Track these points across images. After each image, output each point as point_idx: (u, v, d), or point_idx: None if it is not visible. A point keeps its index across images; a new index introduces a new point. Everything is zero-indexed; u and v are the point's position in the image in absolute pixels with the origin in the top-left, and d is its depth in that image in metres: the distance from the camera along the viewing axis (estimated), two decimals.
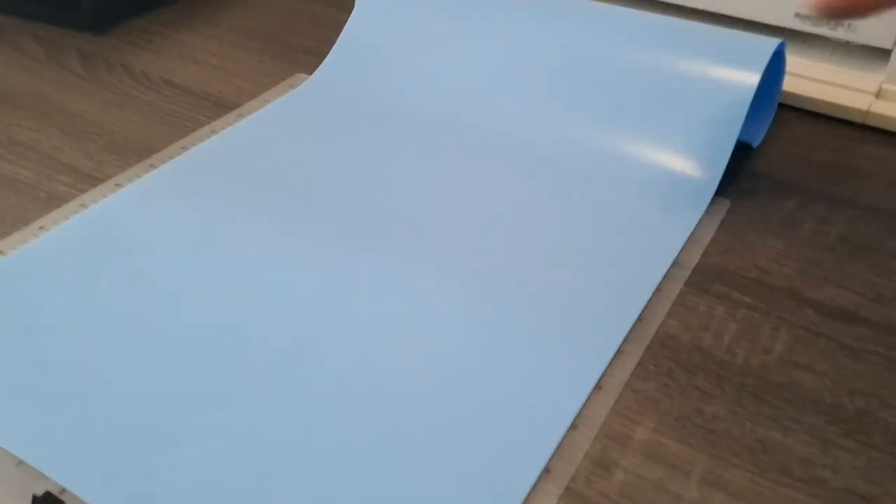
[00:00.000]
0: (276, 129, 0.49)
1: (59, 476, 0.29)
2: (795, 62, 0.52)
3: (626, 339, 0.35)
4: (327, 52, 0.54)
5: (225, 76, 0.56)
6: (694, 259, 0.40)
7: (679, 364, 0.35)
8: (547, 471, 0.30)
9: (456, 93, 0.50)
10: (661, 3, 0.57)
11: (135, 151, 0.48)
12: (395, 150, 0.47)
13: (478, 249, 0.40)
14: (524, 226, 0.41)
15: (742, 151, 0.47)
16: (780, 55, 0.46)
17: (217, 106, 0.52)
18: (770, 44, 0.45)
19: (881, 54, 0.51)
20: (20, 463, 0.30)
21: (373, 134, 0.48)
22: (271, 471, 0.29)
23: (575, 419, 0.32)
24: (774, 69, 0.47)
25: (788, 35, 0.53)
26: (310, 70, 0.55)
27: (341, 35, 0.54)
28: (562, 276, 0.38)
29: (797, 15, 0.52)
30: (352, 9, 0.55)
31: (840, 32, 0.51)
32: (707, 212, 0.43)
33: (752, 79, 0.44)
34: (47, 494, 0.29)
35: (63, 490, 0.29)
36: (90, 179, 0.45)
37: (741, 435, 0.32)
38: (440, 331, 0.35)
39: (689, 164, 0.44)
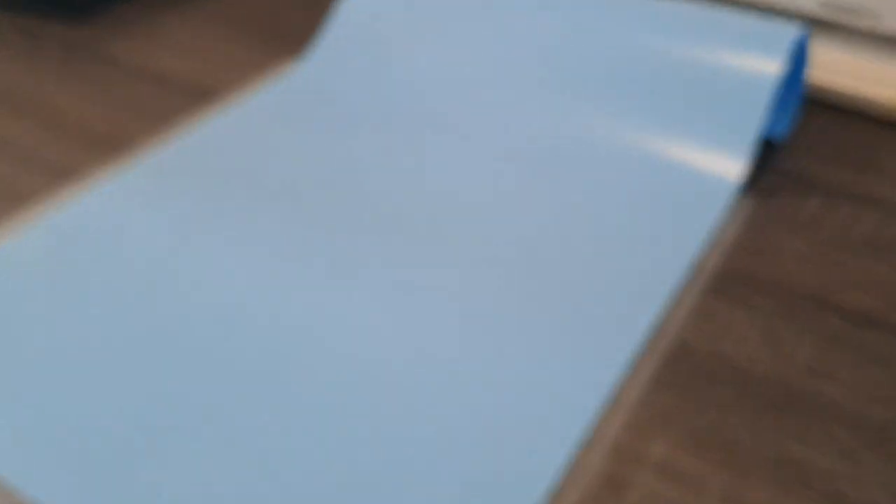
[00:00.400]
0: (261, 119, 0.48)
1: (33, 490, 0.29)
2: (820, 54, 0.51)
3: (639, 350, 0.34)
4: (314, 41, 0.53)
5: (210, 65, 0.55)
6: (713, 261, 0.39)
7: (696, 374, 0.34)
8: (554, 492, 0.29)
9: (449, 82, 0.48)
10: None
11: (115, 144, 0.47)
12: (386, 142, 0.46)
13: (480, 250, 0.39)
14: (531, 228, 0.40)
15: (765, 147, 0.46)
16: (803, 45, 0.45)
17: (202, 95, 0.51)
18: (792, 31, 0.43)
19: None
20: None
21: (362, 124, 0.47)
22: (256, 482, 0.29)
23: (585, 435, 0.31)
24: (798, 60, 0.45)
25: (813, 24, 0.51)
26: (296, 58, 0.54)
27: (330, 23, 0.53)
28: (573, 281, 0.37)
29: (821, 3, 0.50)
30: None
31: (865, 21, 0.49)
32: (728, 211, 0.41)
33: (774, 67, 0.42)
34: None
35: None
36: (68, 174, 0.44)
37: (762, 449, 0.31)
38: (441, 339, 0.34)
39: (708, 160, 0.43)
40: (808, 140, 0.48)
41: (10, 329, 0.34)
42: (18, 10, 0.63)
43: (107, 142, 0.47)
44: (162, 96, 0.52)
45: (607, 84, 0.45)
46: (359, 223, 0.40)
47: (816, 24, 0.51)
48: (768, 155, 0.46)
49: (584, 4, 0.47)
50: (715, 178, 0.42)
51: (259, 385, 0.32)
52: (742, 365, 0.34)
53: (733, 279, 0.38)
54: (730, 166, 0.42)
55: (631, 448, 0.31)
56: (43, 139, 0.48)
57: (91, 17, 0.62)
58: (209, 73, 0.54)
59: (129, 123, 0.49)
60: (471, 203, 0.42)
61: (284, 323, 0.35)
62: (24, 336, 0.34)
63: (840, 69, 0.50)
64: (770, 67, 0.42)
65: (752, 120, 0.42)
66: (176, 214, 0.40)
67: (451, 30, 0.49)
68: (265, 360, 0.33)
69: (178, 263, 0.38)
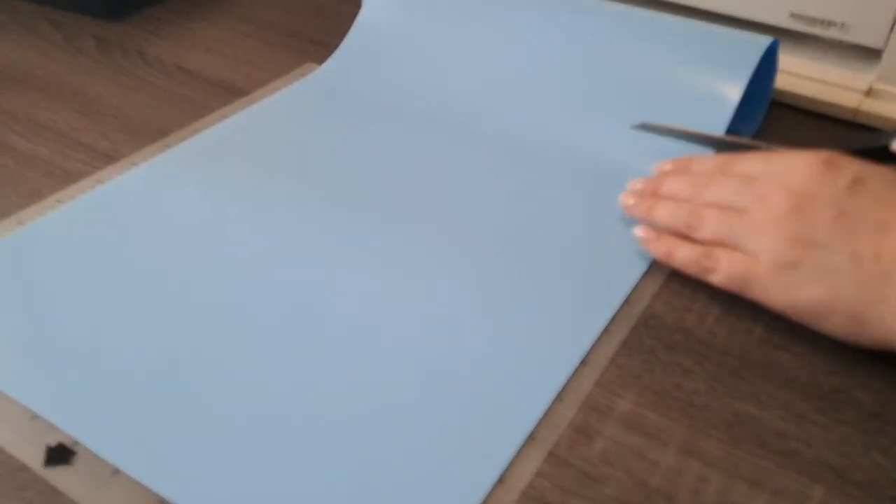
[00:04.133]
0: (285, 115, 0.51)
1: (70, 428, 0.31)
2: (788, 61, 0.54)
3: (612, 319, 0.37)
4: (336, 44, 0.56)
5: (236, 64, 0.58)
6: None
7: (662, 342, 0.36)
8: (531, 437, 0.31)
9: (464, 85, 0.52)
10: (658, 0, 0.58)
11: (148, 133, 0.49)
12: (402, 140, 0.49)
13: (476, 234, 0.42)
14: (521, 212, 0.43)
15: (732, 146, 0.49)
16: (772, 52, 0.48)
17: (228, 92, 0.54)
18: (759, 45, 0.46)
19: (872, 54, 0.52)
20: (34, 416, 0.32)
21: (381, 123, 0.50)
22: (273, 429, 0.31)
23: (560, 392, 0.33)
24: (766, 66, 0.48)
25: (782, 34, 0.54)
26: (319, 60, 0.56)
27: (353, 25, 0.56)
28: (557, 259, 0.40)
29: (792, 14, 0.53)
30: (358, 2, 0.56)
31: (833, 32, 0.52)
32: None
33: (738, 85, 0.45)
34: (60, 445, 0.30)
35: (75, 442, 0.31)
36: (105, 158, 0.47)
37: (719, 409, 0.33)
38: (435, 309, 0.37)
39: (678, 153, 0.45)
40: (774, 140, 0.50)
41: (54, 290, 0.37)
42: (56, 8, 0.65)
43: (142, 129, 0.50)
44: (192, 91, 0.54)
45: (607, 91, 0.49)
46: (372, 210, 0.43)
47: (787, 35, 0.54)
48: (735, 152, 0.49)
49: (585, 16, 0.51)
50: None
51: (272, 339, 0.35)
52: (704, 336, 0.37)
53: None
54: None
55: (600, 403, 0.33)
56: (81, 125, 0.50)
57: (124, 17, 0.64)
58: (236, 72, 0.57)
59: (162, 114, 0.51)
60: (472, 192, 0.45)
61: (296, 287, 0.38)
62: (65, 297, 0.37)
63: (807, 75, 0.53)
64: (734, 84, 0.46)
65: (719, 122, 0.45)
66: (207, 194, 0.44)
67: (467, 36, 0.53)
68: (280, 318, 0.36)
69: (207, 236, 0.41)
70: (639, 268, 0.40)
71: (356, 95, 0.53)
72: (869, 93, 0.52)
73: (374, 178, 0.45)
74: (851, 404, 0.34)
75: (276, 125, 0.50)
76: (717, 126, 0.45)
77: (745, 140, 0.44)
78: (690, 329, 0.37)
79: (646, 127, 0.46)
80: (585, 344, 0.35)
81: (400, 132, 0.49)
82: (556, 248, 0.41)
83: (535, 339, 0.36)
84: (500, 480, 0.30)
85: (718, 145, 0.45)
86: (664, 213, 0.39)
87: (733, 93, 0.45)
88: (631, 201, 0.41)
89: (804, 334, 0.36)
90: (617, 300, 0.38)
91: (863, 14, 0.51)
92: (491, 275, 0.39)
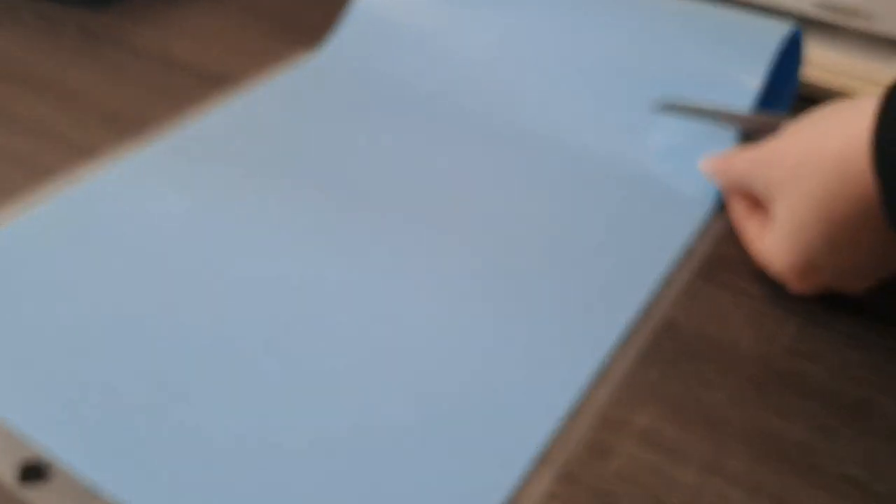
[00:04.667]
0: (276, 106, 0.49)
1: (47, 443, 0.30)
2: (812, 52, 0.52)
3: (630, 327, 0.36)
4: (327, 31, 0.54)
5: (225, 53, 0.57)
6: (703, 248, 0.40)
7: (682, 352, 0.35)
8: (543, 455, 0.31)
9: (470, 73, 0.50)
10: None
11: (133, 125, 0.48)
12: (399, 131, 0.47)
13: (486, 234, 0.40)
14: (534, 211, 0.42)
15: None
16: (796, 40, 0.46)
17: (217, 81, 0.53)
18: (783, 28, 0.45)
19: None
20: (10, 431, 0.31)
21: (377, 113, 0.49)
22: (263, 446, 0.30)
23: (574, 407, 0.32)
24: (791, 54, 0.47)
25: (806, 24, 0.52)
26: (310, 48, 0.55)
27: (348, 13, 0.55)
28: (573, 264, 0.39)
29: (815, 3, 0.52)
30: None
31: (858, 22, 0.51)
32: (719, 201, 0.43)
33: (758, 72, 0.44)
34: (36, 460, 0.30)
35: (50, 458, 0.30)
36: (85, 152, 0.46)
37: (741, 422, 0.32)
38: (444, 315, 0.36)
39: (700, 153, 0.44)
40: None
41: (32, 297, 0.36)
42: None
43: (123, 122, 0.49)
44: (177, 81, 0.53)
45: (609, 79, 0.47)
46: (368, 205, 0.42)
47: (810, 24, 0.53)
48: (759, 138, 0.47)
49: (594, 2, 0.49)
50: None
51: (264, 349, 0.34)
52: (726, 344, 0.35)
53: (721, 264, 0.40)
54: None
55: (616, 418, 0.32)
56: (61, 118, 0.49)
57: (110, 5, 0.63)
58: (223, 60, 0.56)
59: (145, 106, 0.50)
60: (479, 188, 0.43)
61: (292, 291, 0.37)
62: (44, 304, 0.36)
63: (832, 68, 0.52)
64: (754, 71, 0.44)
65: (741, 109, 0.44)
66: (192, 192, 0.42)
67: (464, 23, 0.51)
68: (275, 325, 0.35)
69: (193, 236, 0.39)
70: (658, 273, 0.38)
71: (351, 85, 0.51)
72: None
73: (372, 172, 0.44)
74: (876, 414, 0.32)
75: (266, 116, 0.48)
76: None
77: (771, 118, 0.43)
78: (711, 337, 0.36)
79: (670, 107, 0.45)
80: (601, 356, 0.34)
81: (398, 123, 0.48)
82: (570, 250, 0.39)
83: (547, 351, 0.34)
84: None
85: (744, 125, 0.43)
86: None
87: (755, 79, 0.44)
88: None
89: (829, 343, 0.35)
90: (634, 307, 0.37)
91: (889, 3, 0.49)
92: (503, 281, 0.38)
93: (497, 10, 0.51)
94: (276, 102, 0.50)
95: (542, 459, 0.30)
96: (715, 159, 0.41)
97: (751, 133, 0.43)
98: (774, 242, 0.36)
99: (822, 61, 0.52)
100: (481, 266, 0.38)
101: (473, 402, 0.32)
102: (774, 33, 0.45)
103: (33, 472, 0.30)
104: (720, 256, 0.40)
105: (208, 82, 0.53)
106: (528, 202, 0.42)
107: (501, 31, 0.50)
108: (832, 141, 0.33)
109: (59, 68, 0.55)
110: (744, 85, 0.44)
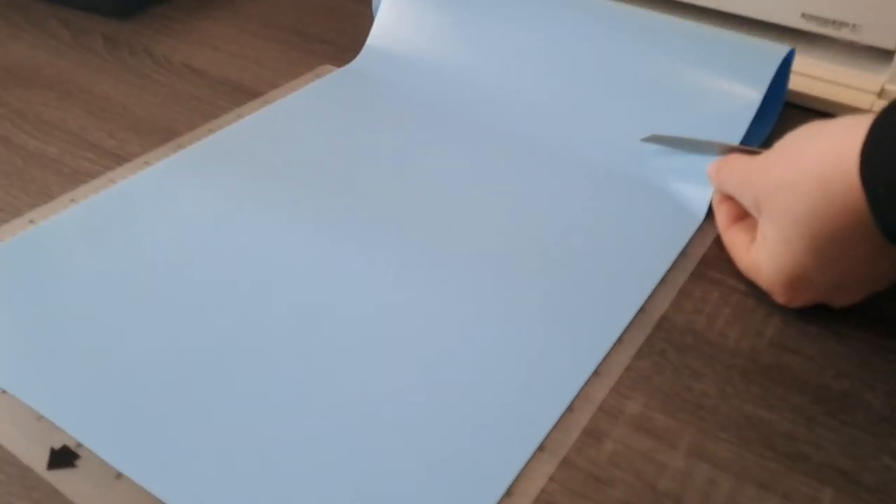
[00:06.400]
0: (303, 117, 0.51)
1: (75, 431, 0.31)
2: (800, 61, 0.53)
3: (627, 327, 0.37)
4: (344, 43, 0.56)
5: (244, 63, 0.58)
6: (695, 248, 0.41)
7: (672, 345, 0.36)
8: (542, 446, 0.31)
9: (485, 89, 0.52)
10: (671, 1, 0.58)
11: (155, 132, 0.49)
12: (421, 143, 0.49)
13: (492, 237, 0.41)
14: (539, 215, 0.43)
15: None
16: (788, 60, 0.47)
17: (236, 92, 0.54)
18: (776, 55, 0.46)
19: (885, 55, 0.52)
20: (40, 418, 0.32)
21: (400, 127, 0.50)
22: (278, 436, 0.31)
23: (572, 401, 0.33)
24: (781, 73, 0.48)
25: (794, 35, 0.54)
26: (328, 60, 0.56)
27: (374, 26, 0.56)
28: (572, 266, 0.40)
29: (803, 15, 0.53)
30: (366, 1, 0.56)
31: (845, 33, 0.52)
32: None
33: (756, 94, 0.45)
34: (64, 448, 0.30)
35: (79, 444, 0.31)
36: (113, 157, 0.47)
37: (728, 411, 0.33)
38: (446, 317, 0.37)
39: (697, 161, 0.45)
40: None
41: (63, 290, 0.37)
42: (62, 2, 0.65)
43: (149, 128, 0.50)
44: (199, 90, 0.54)
45: (618, 91, 0.49)
46: (386, 213, 0.43)
47: (799, 35, 0.54)
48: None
49: (601, 20, 0.51)
50: (704, 179, 0.45)
51: (283, 346, 0.35)
52: (714, 338, 0.36)
53: (711, 263, 0.40)
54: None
55: (609, 405, 0.33)
56: (89, 124, 0.50)
57: (132, 16, 0.64)
58: (244, 71, 0.57)
59: (169, 113, 0.51)
60: (488, 195, 0.45)
61: (310, 293, 0.38)
62: (75, 297, 0.37)
63: (819, 76, 0.53)
64: (752, 92, 0.45)
65: (736, 131, 0.45)
66: (221, 194, 0.43)
67: (484, 43, 0.53)
68: (292, 324, 0.36)
69: (219, 236, 0.41)
70: (656, 275, 0.39)
71: (374, 99, 0.52)
72: (881, 94, 0.51)
73: (393, 183, 0.45)
74: (861, 407, 0.33)
75: (293, 127, 0.50)
76: (734, 135, 0.45)
77: (754, 149, 0.44)
78: (701, 331, 0.37)
79: (655, 139, 0.46)
80: (599, 354, 0.35)
81: (419, 136, 0.49)
82: (571, 254, 0.40)
83: (548, 349, 0.35)
84: (509, 493, 0.30)
85: (723, 154, 0.44)
86: None
87: (749, 104, 0.45)
88: None
89: (814, 337, 0.36)
90: (633, 308, 0.38)
91: (875, 15, 0.50)
92: (510, 282, 0.39)
93: (510, 29, 0.52)
94: (302, 115, 0.51)
95: (541, 446, 0.31)
96: (718, 163, 0.42)
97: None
98: (761, 257, 0.37)
99: (808, 70, 0.53)
100: (492, 268, 0.39)
101: (480, 394, 0.33)
102: (774, 55, 0.46)
103: (62, 458, 0.30)
104: (711, 256, 0.41)
105: (228, 92, 0.54)
106: (535, 213, 0.43)
107: (513, 49, 0.52)
108: (815, 158, 0.33)
109: (85, 76, 0.56)
110: (740, 109, 0.45)
